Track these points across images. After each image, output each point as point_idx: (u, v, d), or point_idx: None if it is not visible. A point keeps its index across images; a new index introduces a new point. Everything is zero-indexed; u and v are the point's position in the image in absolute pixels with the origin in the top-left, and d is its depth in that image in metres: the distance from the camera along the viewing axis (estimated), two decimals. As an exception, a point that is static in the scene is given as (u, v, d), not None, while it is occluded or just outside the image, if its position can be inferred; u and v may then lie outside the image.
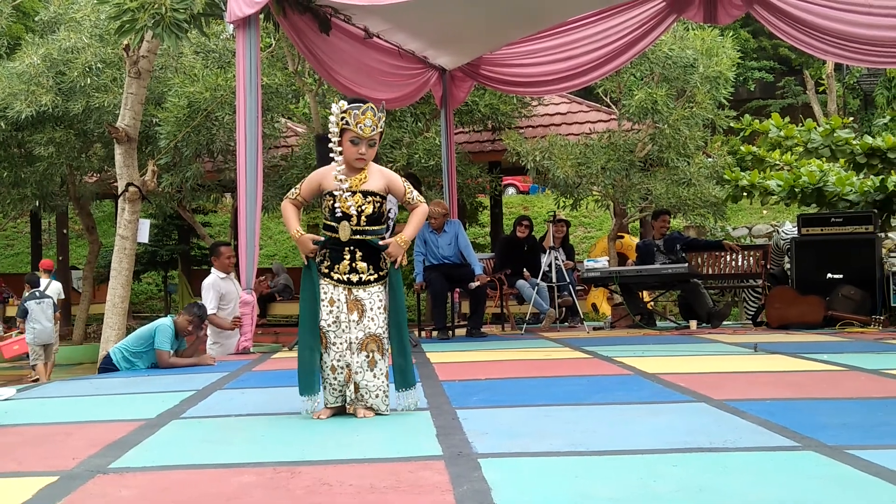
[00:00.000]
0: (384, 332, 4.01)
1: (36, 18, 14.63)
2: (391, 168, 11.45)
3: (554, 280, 9.50)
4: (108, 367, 6.69)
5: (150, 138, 12.44)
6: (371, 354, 3.97)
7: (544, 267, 9.54)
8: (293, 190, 4.19)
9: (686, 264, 9.35)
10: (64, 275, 17.12)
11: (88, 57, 12.05)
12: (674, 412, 3.93)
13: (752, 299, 11.11)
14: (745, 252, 10.56)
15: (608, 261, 10.76)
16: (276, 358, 7.08)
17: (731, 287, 11.34)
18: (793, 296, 8.93)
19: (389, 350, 4.03)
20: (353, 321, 3.97)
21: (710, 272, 10.48)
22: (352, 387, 3.99)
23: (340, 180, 3.94)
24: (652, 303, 10.92)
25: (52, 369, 11.38)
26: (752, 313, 10.54)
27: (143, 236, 9.71)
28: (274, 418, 4.01)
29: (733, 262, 10.43)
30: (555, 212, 10.65)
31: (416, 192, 4.11)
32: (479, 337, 8.73)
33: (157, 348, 6.51)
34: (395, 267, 4.05)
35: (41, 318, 11.17)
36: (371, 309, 4.00)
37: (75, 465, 3.13)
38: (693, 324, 9.15)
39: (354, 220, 3.98)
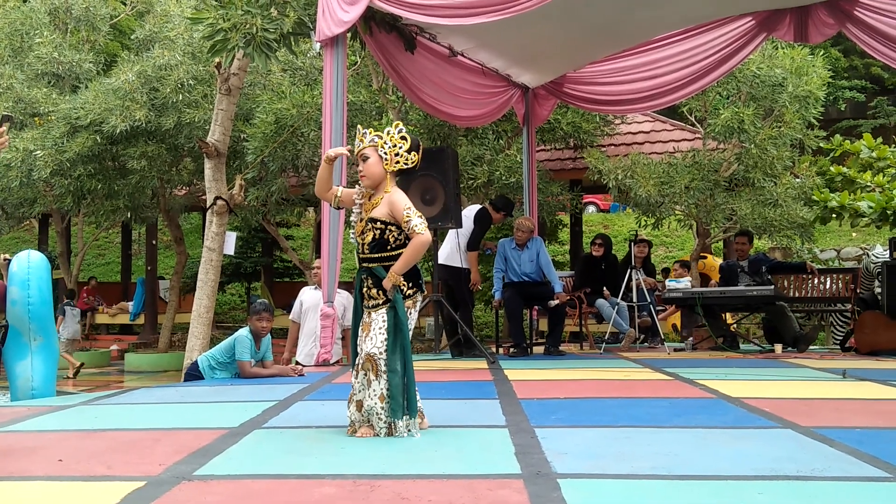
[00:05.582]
0: (380, 353, 3.97)
1: (132, 37, 15.17)
2: (472, 185, 11.60)
3: (634, 300, 9.40)
4: (194, 373, 6.87)
5: (238, 153, 12.75)
6: (367, 374, 3.99)
7: (624, 286, 9.45)
8: (341, 188, 4.33)
9: (772, 286, 9.14)
10: (152, 284, 17.63)
11: (181, 74, 12.42)
12: (759, 438, 3.84)
13: (840, 324, 10.79)
14: (834, 275, 10.27)
15: (690, 281, 10.59)
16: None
17: (818, 311, 11.04)
18: (884, 321, 8.64)
19: (386, 371, 3.96)
20: (362, 341, 4.07)
21: (797, 295, 10.23)
22: (353, 406, 4.04)
23: (358, 204, 4.14)
24: (735, 325, 10.69)
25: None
26: (840, 338, 10.24)
27: (230, 248, 9.94)
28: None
29: (821, 286, 10.16)
30: (637, 231, 10.54)
31: (416, 220, 3.96)
32: (557, 355, 8.69)
33: (238, 359, 6.65)
34: (399, 295, 4.04)
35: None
36: (373, 329, 4.02)
37: (162, 472, 3.21)
38: (778, 347, 8.94)
39: (359, 247, 4.11)
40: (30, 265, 6.30)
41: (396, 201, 4.02)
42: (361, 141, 4.11)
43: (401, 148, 4.07)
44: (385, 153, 4.06)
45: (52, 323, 6.50)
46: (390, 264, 4.01)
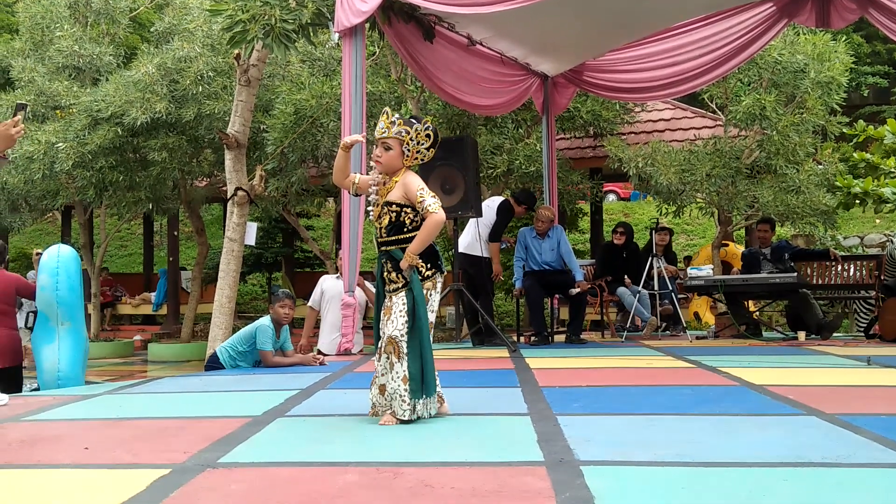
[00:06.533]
0: (401, 336, 4.00)
1: (151, 29, 15.21)
2: (491, 174, 11.58)
3: (656, 288, 9.36)
4: (214, 364, 6.91)
5: (258, 144, 12.78)
6: (389, 356, 4.02)
7: (645, 274, 9.41)
8: (358, 175, 4.33)
9: (795, 273, 9.08)
10: (174, 275, 17.74)
11: (200, 66, 12.45)
12: (783, 425, 3.82)
13: (864, 311, 10.71)
14: (858, 262, 10.19)
15: (712, 269, 10.53)
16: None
17: (841, 298, 10.96)
18: (908, 308, 8.58)
19: (407, 353, 4.00)
20: (384, 325, 4.10)
21: (820, 282, 10.16)
22: (375, 389, 4.09)
23: (373, 191, 4.15)
24: (757, 312, 10.62)
25: None
26: (864, 325, 10.16)
27: (251, 239, 9.97)
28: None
29: (844, 273, 10.08)
30: (658, 219, 10.49)
31: (430, 200, 3.99)
32: (578, 343, 8.68)
33: (260, 349, 6.67)
34: (417, 276, 4.06)
35: None
36: (394, 312, 4.04)
37: (187, 459, 3.24)
38: (801, 335, 8.88)
39: (377, 231, 4.13)
40: (59, 256, 6.40)
41: (410, 183, 4.05)
42: (388, 127, 4.07)
43: (422, 145, 4.09)
44: (409, 150, 4.07)
45: (81, 310, 6.57)
46: (408, 246, 4.04)
